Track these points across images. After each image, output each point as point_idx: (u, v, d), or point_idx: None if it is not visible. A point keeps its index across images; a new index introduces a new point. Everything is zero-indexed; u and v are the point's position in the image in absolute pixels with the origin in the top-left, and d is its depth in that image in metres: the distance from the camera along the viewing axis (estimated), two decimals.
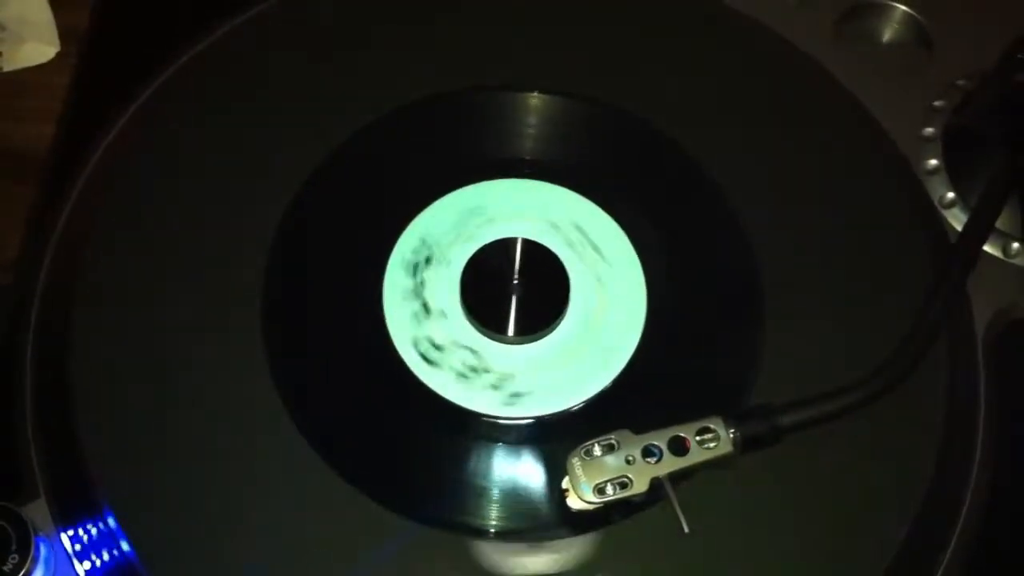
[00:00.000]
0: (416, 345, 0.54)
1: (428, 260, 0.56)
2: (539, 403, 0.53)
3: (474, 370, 0.54)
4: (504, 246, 0.56)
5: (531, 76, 0.61)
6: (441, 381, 0.54)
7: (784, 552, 0.50)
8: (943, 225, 0.58)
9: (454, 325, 0.55)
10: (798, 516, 0.50)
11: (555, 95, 0.60)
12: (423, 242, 0.57)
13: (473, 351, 0.54)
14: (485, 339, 0.55)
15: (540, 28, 0.62)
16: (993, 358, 0.55)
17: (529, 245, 0.56)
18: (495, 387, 0.54)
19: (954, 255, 0.55)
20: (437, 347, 0.54)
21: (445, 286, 0.56)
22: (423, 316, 0.55)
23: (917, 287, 0.53)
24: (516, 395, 0.53)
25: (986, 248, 0.57)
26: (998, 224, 0.56)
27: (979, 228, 0.56)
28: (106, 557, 0.50)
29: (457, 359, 0.54)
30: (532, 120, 0.60)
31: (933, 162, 0.60)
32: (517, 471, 0.52)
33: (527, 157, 0.60)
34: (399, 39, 0.61)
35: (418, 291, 0.56)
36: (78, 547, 0.50)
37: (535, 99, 0.60)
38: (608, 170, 0.59)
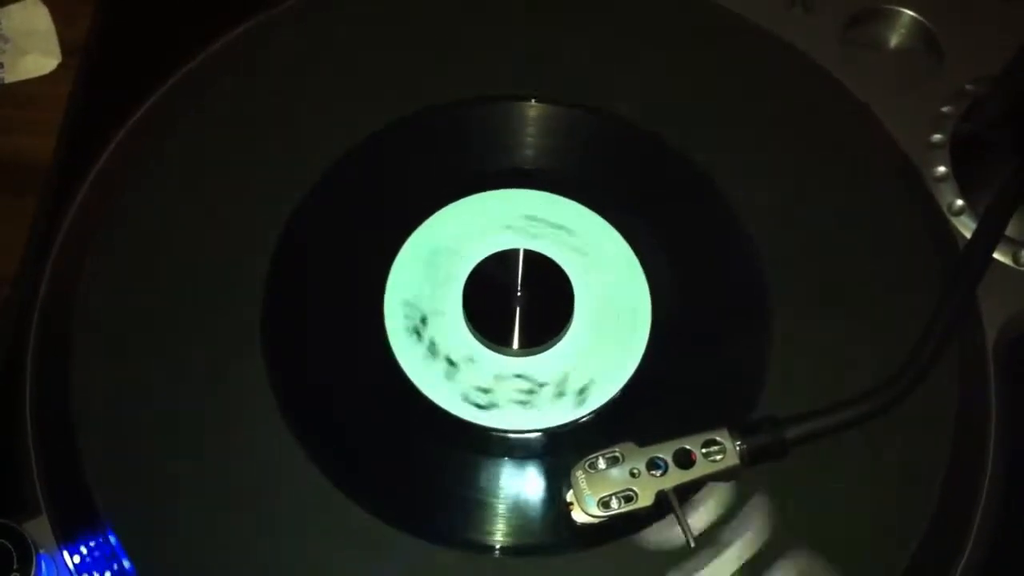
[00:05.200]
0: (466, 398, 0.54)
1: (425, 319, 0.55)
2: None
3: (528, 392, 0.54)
4: (505, 258, 0.56)
5: (529, 85, 0.60)
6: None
7: (791, 566, 0.49)
8: (952, 233, 0.58)
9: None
10: (806, 528, 0.49)
11: (555, 104, 0.60)
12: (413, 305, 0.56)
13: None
14: (490, 352, 0.54)
15: (536, 37, 0.62)
16: (1003, 367, 0.55)
17: (531, 255, 0.56)
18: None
19: (963, 263, 0.54)
20: (485, 391, 0.54)
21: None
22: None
23: (926, 296, 0.53)
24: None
25: (996, 256, 0.56)
26: (1008, 231, 0.56)
27: (989, 236, 0.55)
28: (107, 574, 0.49)
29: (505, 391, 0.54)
30: (531, 130, 0.60)
31: (941, 169, 0.59)
32: (521, 485, 0.52)
33: (528, 167, 0.59)
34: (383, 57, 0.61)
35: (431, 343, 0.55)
36: (77, 559, 0.50)
37: (533, 108, 0.60)
38: (611, 179, 0.59)
